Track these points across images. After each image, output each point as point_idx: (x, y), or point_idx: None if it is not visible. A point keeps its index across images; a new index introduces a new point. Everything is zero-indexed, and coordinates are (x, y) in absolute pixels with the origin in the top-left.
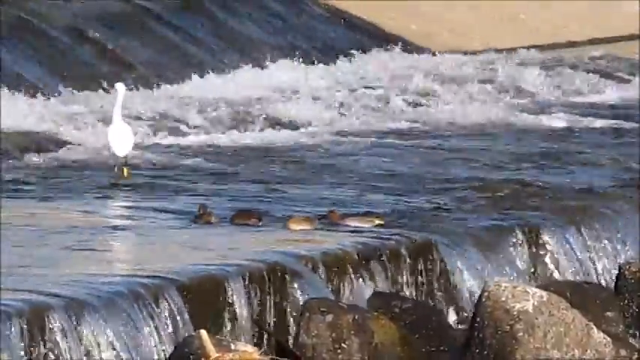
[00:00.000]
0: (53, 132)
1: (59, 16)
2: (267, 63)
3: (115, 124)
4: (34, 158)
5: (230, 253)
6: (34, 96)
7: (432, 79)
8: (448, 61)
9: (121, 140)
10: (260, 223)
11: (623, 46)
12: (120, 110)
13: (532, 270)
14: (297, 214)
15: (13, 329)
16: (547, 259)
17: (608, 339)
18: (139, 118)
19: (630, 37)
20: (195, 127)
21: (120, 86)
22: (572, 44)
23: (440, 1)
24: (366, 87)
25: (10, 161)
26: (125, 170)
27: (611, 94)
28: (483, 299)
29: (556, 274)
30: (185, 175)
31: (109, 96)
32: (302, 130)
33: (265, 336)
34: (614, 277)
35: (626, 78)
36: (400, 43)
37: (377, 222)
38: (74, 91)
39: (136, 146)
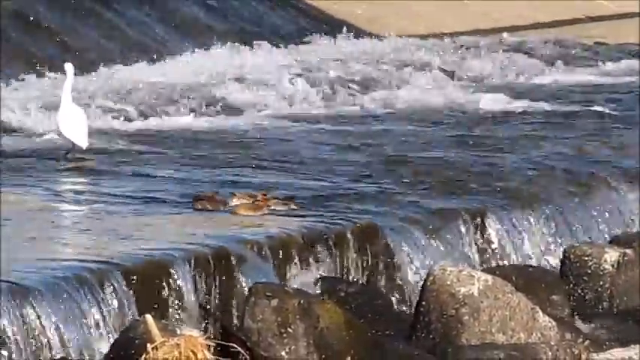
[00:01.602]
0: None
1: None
2: (212, 47)
3: (65, 107)
4: None
5: (176, 237)
6: None
7: (377, 64)
8: (393, 46)
9: (76, 127)
10: (223, 208)
11: (568, 30)
12: (69, 92)
13: (477, 254)
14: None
15: None
16: (492, 243)
17: (554, 322)
18: (83, 103)
19: (573, 22)
20: (138, 111)
21: (69, 66)
22: (514, 28)
23: None
24: (309, 71)
25: None
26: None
27: (555, 77)
28: (429, 283)
29: (501, 258)
30: (130, 159)
31: (55, 81)
32: (245, 114)
33: (210, 321)
34: (558, 261)
35: (571, 62)
36: (345, 28)
37: (292, 206)
38: (19, 75)
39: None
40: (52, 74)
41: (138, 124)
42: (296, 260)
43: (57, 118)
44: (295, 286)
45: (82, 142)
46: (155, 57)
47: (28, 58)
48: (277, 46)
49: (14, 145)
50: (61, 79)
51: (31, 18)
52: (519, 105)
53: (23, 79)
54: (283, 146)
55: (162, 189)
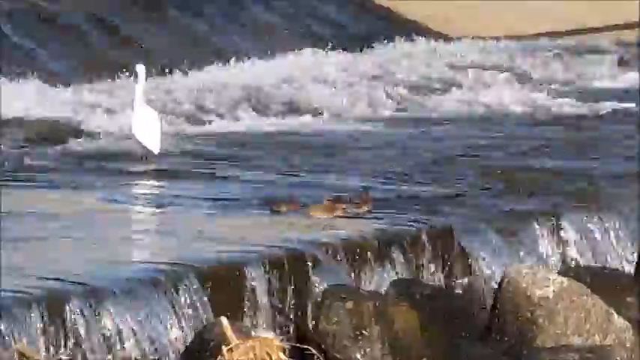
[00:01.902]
0: (73, 120)
1: (76, 2)
2: (285, 50)
3: (138, 111)
4: (54, 147)
5: (250, 239)
6: (54, 84)
7: (449, 66)
8: (466, 48)
9: (150, 131)
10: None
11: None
12: (141, 94)
13: (552, 255)
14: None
15: (32, 315)
16: (567, 245)
17: (629, 324)
18: (156, 106)
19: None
20: (214, 114)
21: (140, 68)
22: (591, 30)
23: None
24: (381, 74)
25: (29, 149)
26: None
27: (628, 80)
28: (504, 285)
29: (576, 260)
30: (203, 162)
31: (129, 84)
32: (318, 117)
33: (285, 323)
34: (634, 263)
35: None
36: (419, 29)
37: (365, 208)
38: (94, 78)
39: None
40: (126, 77)
41: (212, 127)
42: (371, 262)
43: (131, 121)
44: (370, 288)
45: (155, 147)
46: (229, 60)
47: (104, 62)
48: (350, 49)
49: (88, 147)
50: (134, 83)
51: (108, 22)
52: (595, 107)
53: (97, 83)
54: (356, 149)
55: (236, 191)
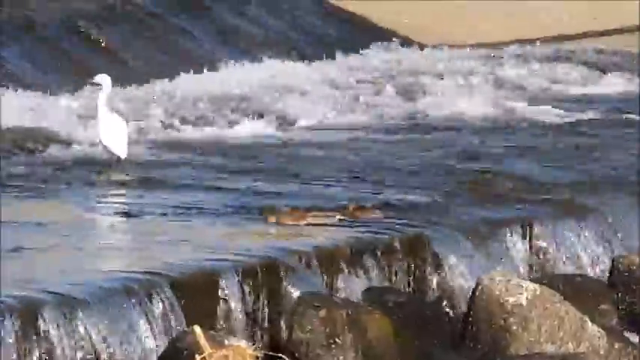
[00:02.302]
0: (48, 129)
1: (56, 12)
2: (262, 59)
3: (103, 117)
4: (29, 155)
5: (223, 247)
6: (30, 92)
7: (425, 74)
8: (441, 55)
9: (116, 137)
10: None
11: (621, 40)
12: (104, 102)
13: (525, 263)
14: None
15: (5, 324)
16: (540, 253)
17: (603, 332)
18: (130, 114)
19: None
20: (189, 122)
21: (103, 77)
22: (567, 38)
23: None
24: (357, 81)
25: (4, 159)
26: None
27: (607, 86)
28: (477, 293)
29: (550, 268)
30: (180, 171)
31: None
32: (295, 125)
33: (258, 331)
34: (607, 270)
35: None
36: (393, 38)
37: (337, 217)
38: (68, 87)
39: (130, 141)
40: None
41: (190, 135)
42: (344, 270)
43: (97, 128)
44: (343, 296)
45: (122, 152)
46: (207, 69)
47: (80, 71)
48: (325, 57)
49: (59, 155)
50: (112, 91)
51: (83, 30)
52: (569, 115)
53: (74, 92)
54: (333, 157)
55: (211, 200)
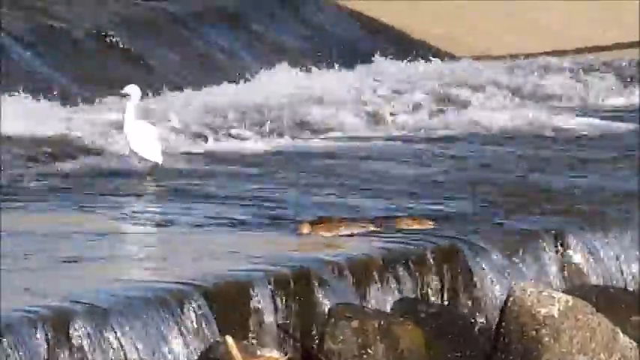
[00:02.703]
0: (80, 138)
1: (85, 20)
2: (292, 68)
3: (132, 127)
4: (62, 165)
5: (255, 257)
6: (60, 102)
7: (455, 85)
8: (471, 66)
9: (149, 144)
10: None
11: None
12: (133, 113)
13: (558, 275)
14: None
15: (37, 335)
16: (573, 264)
17: (634, 343)
18: (161, 122)
19: None
20: (218, 132)
21: (133, 88)
22: (597, 49)
23: (463, 2)
24: (386, 92)
25: (36, 168)
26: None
27: (635, 98)
28: (509, 304)
29: (582, 279)
30: (210, 181)
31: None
32: (322, 135)
33: (290, 342)
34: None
35: None
36: (423, 47)
37: (370, 228)
38: (100, 97)
39: (165, 152)
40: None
41: (218, 146)
42: (376, 281)
43: (126, 138)
44: (375, 307)
45: (158, 157)
46: (234, 79)
47: (110, 81)
48: (353, 66)
49: (90, 165)
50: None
51: (113, 40)
52: (600, 126)
53: (103, 101)
54: (361, 168)
55: (242, 210)
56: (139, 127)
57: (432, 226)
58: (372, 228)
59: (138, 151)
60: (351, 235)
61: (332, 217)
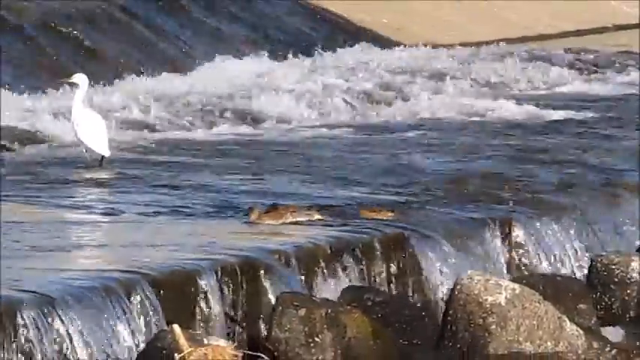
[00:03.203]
0: (28, 128)
1: (34, 13)
2: (240, 57)
3: (79, 117)
4: (9, 154)
5: (202, 247)
6: (9, 92)
7: (403, 73)
8: (419, 55)
9: (96, 135)
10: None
11: (594, 39)
12: (80, 101)
13: (504, 263)
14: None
15: None
16: (519, 252)
17: (581, 331)
18: (109, 112)
19: (599, 30)
20: (166, 121)
21: (81, 77)
22: (543, 37)
23: None
24: (336, 81)
25: None
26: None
27: (581, 86)
28: (456, 292)
29: (528, 267)
30: (157, 170)
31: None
32: (272, 125)
33: (238, 330)
34: (586, 270)
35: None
36: (371, 37)
37: (316, 216)
38: (46, 86)
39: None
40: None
41: (166, 135)
42: (323, 270)
43: (74, 127)
44: (322, 295)
45: (104, 150)
46: (183, 67)
47: (56, 69)
48: (304, 55)
49: (39, 155)
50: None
51: (59, 29)
52: (545, 114)
53: (49, 90)
54: (310, 156)
55: (189, 199)
56: (86, 117)
57: (392, 217)
58: (317, 216)
59: (84, 141)
60: (297, 223)
61: (279, 205)
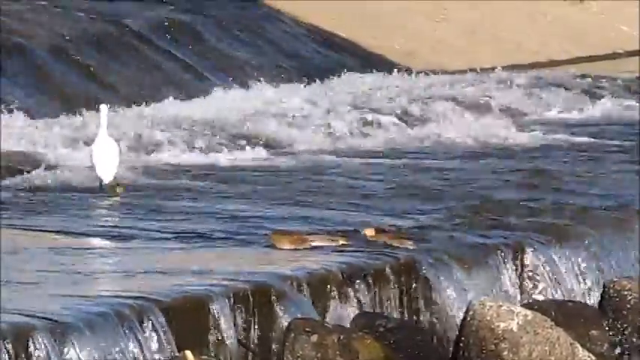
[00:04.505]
0: (37, 153)
1: (43, 36)
2: (250, 83)
3: (98, 143)
4: (18, 179)
5: (214, 273)
6: (18, 117)
7: (414, 99)
8: (430, 81)
9: (106, 161)
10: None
11: (605, 65)
12: (104, 131)
13: (517, 289)
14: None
15: None
16: (531, 278)
17: (593, 357)
18: (122, 138)
19: (611, 56)
20: (178, 147)
21: (103, 107)
22: (553, 63)
23: (422, 20)
24: (347, 106)
25: None
26: (119, 188)
27: (592, 112)
28: (468, 318)
29: (541, 293)
30: (166, 195)
31: (94, 117)
32: (284, 150)
33: (250, 356)
34: (598, 296)
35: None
36: (381, 62)
37: (341, 242)
38: (59, 112)
39: (122, 165)
40: (87, 111)
41: (177, 160)
42: (335, 296)
43: (92, 148)
44: (334, 321)
45: (106, 176)
46: (192, 94)
47: (64, 95)
48: (314, 81)
49: (49, 180)
50: (96, 116)
51: (67, 54)
52: (556, 139)
53: (58, 116)
54: (322, 182)
55: (200, 225)
56: (103, 142)
57: (412, 246)
58: (342, 242)
59: (93, 163)
60: (317, 249)
61: (298, 231)
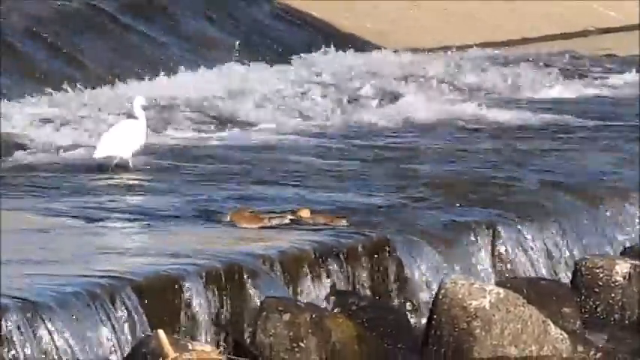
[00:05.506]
0: (15, 134)
1: (16, 17)
2: (221, 62)
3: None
4: None
5: (187, 252)
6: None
7: (385, 78)
8: (401, 59)
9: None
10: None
11: (577, 42)
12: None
13: (489, 267)
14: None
15: None
16: (504, 256)
17: (565, 335)
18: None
19: (582, 34)
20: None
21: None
22: (528, 41)
23: (395, 1)
24: (318, 85)
25: None
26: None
27: (565, 90)
28: (440, 296)
29: (513, 271)
30: (138, 175)
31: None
32: (255, 129)
33: (222, 335)
34: (570, 273)
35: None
36: (354, 42)
37: (343, 222)
38: (31, 92)
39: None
40: (62, 90)
41: (149, 140)
42: (307, 274)
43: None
44: (307, 300)
45: (98, 150)
46: (165, 73)
47: (40, 75)
48: (286, 60)
49: (28, 160)
50: (71, 95)
51: (43, 35)
52: (529, 118)
53: (34, 96)
54: (294, 161)
55: (173, 204)
56: (122, 122)
57: (346, 225)
58: (290, 217)
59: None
60: (275, 227)
61: (251, 209)
